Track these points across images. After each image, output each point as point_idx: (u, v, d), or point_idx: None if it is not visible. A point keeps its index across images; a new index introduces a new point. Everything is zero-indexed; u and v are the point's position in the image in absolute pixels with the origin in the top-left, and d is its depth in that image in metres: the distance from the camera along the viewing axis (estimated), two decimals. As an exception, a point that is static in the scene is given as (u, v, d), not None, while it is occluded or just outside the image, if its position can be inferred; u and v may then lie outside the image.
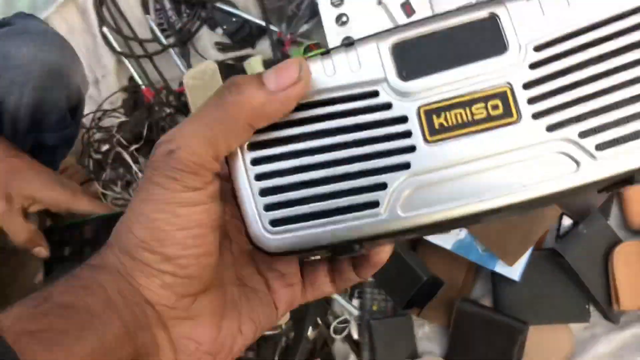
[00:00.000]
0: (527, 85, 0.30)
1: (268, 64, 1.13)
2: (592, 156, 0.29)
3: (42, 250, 0.69)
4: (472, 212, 0.30)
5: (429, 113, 0.31)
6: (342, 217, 0.31)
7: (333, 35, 1.05)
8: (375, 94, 0.31)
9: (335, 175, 0.31)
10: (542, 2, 0.30)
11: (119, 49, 1.22)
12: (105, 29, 1.23)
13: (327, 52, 0.31)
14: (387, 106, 0.31)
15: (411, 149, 0.30)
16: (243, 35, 1.17)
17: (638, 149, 0.29)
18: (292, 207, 0.31)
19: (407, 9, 1.02)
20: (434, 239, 0.97)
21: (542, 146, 0.30)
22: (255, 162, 0.32)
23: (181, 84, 1.21)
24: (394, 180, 0.31)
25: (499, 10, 0.30)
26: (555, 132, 0.30)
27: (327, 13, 1.05)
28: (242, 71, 1.12)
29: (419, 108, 0.31)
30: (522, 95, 0.30)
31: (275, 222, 0.32)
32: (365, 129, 0.31)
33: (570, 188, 0.30)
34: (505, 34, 0.30)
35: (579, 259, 0.93)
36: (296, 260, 0.37)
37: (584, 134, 0.30)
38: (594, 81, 0.29)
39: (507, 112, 0.30)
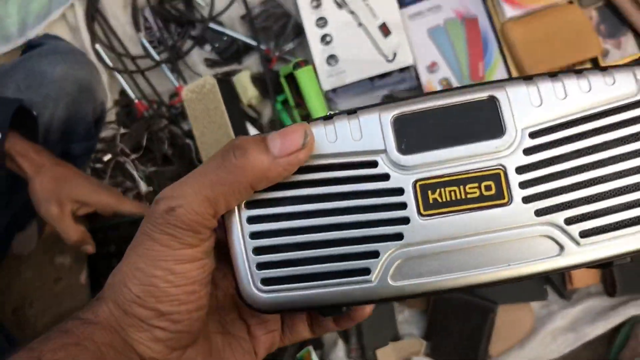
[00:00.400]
0: (520, 170, 0.31)
1: (255, 79, 1.24)
2: (576, 242, 0.31)
3: (89, 248, 0.77)
4: (459, 286, 0.31)
5: (425, 188, 0.31)
6: (334, 281, 0.31)
7: (318, 53, 1.17)
8: (374, 164, 0.32)
9: (329, 239, 0.31)
10: (541, 90, 0.31)
11: (111, 65, 1.30)
12: (97, 46, 1.31)
13: (329, 117, 0.32)
14: (385, 177, 0.32)
15: (405, 220, 0.31)
16: (231, 52, 1.27)
17: (619, 239, 0.30)
18: (285, 268, 0.32)
19: (384, 29, 1.15)
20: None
21: (529, 229, 0.31)
22: (251, 220, 0.32)
23: (172, 97, 1.30)
24: (386, 249, 0.31)
25: (498, 94, 0.31)
26: (543, 216, 0.30)
27: (312, 33, 1.17)
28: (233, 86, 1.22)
29: (415, 182, 0.31)
30: (515, 179, 0.31)
31: (266, 281, 0.32)
32: (362, 198, 0.32)
33: (552, 270, 0.31)
34: (503, 118, 0.31)
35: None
36: None
37: (569, 221, 0.30)
38: (583, 171, 0.30)
39: (499, 194, 0.31)
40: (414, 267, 0.31)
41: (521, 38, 1.11)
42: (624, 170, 0.30)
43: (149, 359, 0.32)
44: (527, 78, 0.31)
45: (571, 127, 0.31)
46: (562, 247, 0.30)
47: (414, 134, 0.31)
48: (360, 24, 1.16)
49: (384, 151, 0.31)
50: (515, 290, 1.12)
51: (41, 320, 1.35)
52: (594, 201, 0.30)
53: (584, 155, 0.30)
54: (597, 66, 0.31)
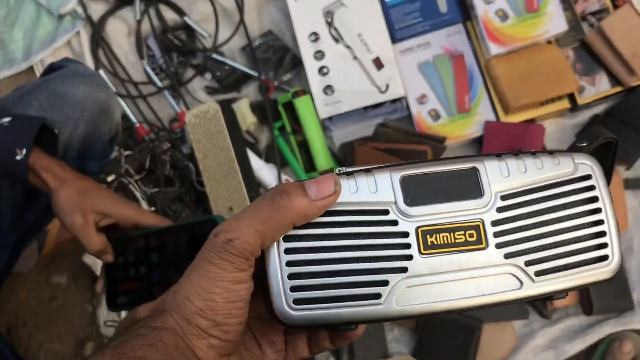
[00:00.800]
0: (494, 223, 0.39)
1: (253, 106, 1.30)
2: (532, 280, 0.39)
3: (109, 257, 0.81)
4: (447, 309, 0.39)
5: (425, 232, 0.39)
6: (351, 303, 0.39)
7: (316, 83, 1.24)
8: (386, 212, 0.40)
9: (349, 269, 0.39)
10: (508, 165, 0.40)
11: (114, 90, 1.35)
12: (101, 72, 1.36)
13: (350, 174, 0.40)
14: (394, 223, 0.40)
15: (409, 257, 0.39)
16: (231, 81, 1.34)
17: (561, 278, 0.40)
18: (313, 291, 0.39)
19: (378, 63, 1.23)
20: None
21: (499, 268, 0.39)
22: (288, 251, 0.39)
23: (172, 121, 1.36)
24: (393, 279, 0.39)
25: (478, 165, 0.40)
26: (510, 259, 0.39)
27: (310, 65, 1.25)
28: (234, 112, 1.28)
29: (417, 228, 0.39)
30: (490, 230, 0.39)
31: (298, 301, 0.39)
32: (376, 237, 0.39)
33: (514, 299, 0.40)
34: (482, 184, 0.40)
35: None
36: (282, 329, 0.45)
37: (529, 263, 0.39)
38: (537, 227, 0.40)
39: (479, 240, 0.39)
40: (414, 294, 0.39)
41: (504, 74, 1.20)
42: (565, 228, 0.40)
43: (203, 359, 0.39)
44: (498, 155, 0.41)
45: (530, 194, 0.40)
46: (521, 283, 0.39)
47: (417, 191, 0.40)
48: (355, 58, 1.24)
49: (394, 202, 0.40)
50: (499, 310, 1.18)
51: (35, 339, 1.37)
52: (547, 249, 0.40)
53: (538, 215, 0.40)
54: (548, 151, 0.41)
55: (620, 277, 1.17)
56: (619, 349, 1.11)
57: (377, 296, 0.39)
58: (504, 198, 0.40)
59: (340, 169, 0.41)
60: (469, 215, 0.40)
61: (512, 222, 0.40)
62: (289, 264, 0.39)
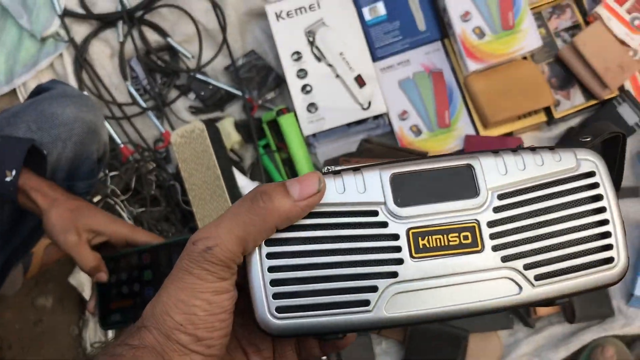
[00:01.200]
0: (490, 224, 0.37)
1: (238, 125, 1.32)
2: (532, 284, 0.37)
3: (103, 275, 0.81)
4: (440, 316, 0.37)
5: (416, 235, 0.37)
6: (338, 311, 0.36)
7: (299, 101, 1.26)
8: (375, 213, 0.37)
9: (336, 275, 0.36)
10: (506, 162, 0.38)
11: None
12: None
13: (338, 172, 0.38)
14: (384, 224, 0.37)
15: (399, 261, 0.37)
16: (214, 101, 1.36)
17: (562, 282, 0.37)
18: (297, 298, 0.36)
19: (360, 80, 1.26)
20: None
21: (496, 272, 0.37)
22: (270, 256, 0.36)
23: (157, 142, 1.37)
24: (383, 285, 0.36)
25: (473, 162, 0.38)
26: (508, 262, 0.37)
27: (293, 83, 1.27)
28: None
29: (408, 230, 0.37)
30: (486, 232, 0.37)
31: (281, 309, 0.36)
32: (365, 240, 0.37)
33: (512, 305, 0.37)
34: (477, 182, 0.37)
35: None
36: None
37: (528, 266, 0.37)
38: (537, 228, 0.37)
39: (474, 243, 0.37)
40: (405, 300, 0.36)
41: (482, 89, 1.23)
42: (566, 229, 0.37)
43: None
44: (495, 152, 0.38)
45: (529, 192, 0.37)
46: (520, 287, 0.37)
47: (408, 190, 0.37)
48: (337, 76, 1.26)
49: (384, 203, 0.37)
50: (484, 320, 1.21)
51: (20, 363, 1.35)
52: (547, 252, 0.37)
53: (538, 215, 0.37)
54: (548, 147, 0.39)
55: (600, 285, 1.20)
56: (601, 354, 1.14)
57: (366, 303, 0.36)
58: (501, 197, 0.37)
59: (328, 167, 0.38)
60: (464, 216, 0.37)
61: (510, 222, 0.37)
62: (271, 269, 0.36)
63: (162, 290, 0.37)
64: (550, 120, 1.27)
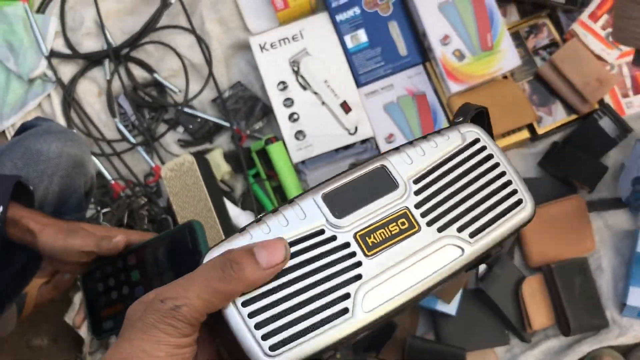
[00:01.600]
0: (417, 206, 0.42)
1: (227, 156, 1.33)
2: (469, 242, 0.42)
3: (120, 239, 0.75)
4: (410, 297, 0.40)
5: (363, 236, 0.41)
6: (325, 327, 0.39)
7: (287, 129, 1.28)
8: (322, 231, 0.41)
9: (310, 297, 0.39)
10: (409, 154, 0.44)
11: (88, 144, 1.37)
12: (74, 132, 1.38)
13: (276, 210, 0.42)
14: (333, 238, 0.41)
15: (358, 264, 0.40)
16: (203, 133, 1.37)
17: (492, 232, 0.42)
18: (285, 331, 0.39)
19: (345, 107, 1.28)
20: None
21: (438, 242, 0.42)
22: (246, 304, 0.39)
23: (147, 176, 1.38)
24: (353, 289, 0.40)
25: (384, 162, 0.44)
26: (443, 231, 0.42)
27: (280, 112, 1.29)
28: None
29: (354, 234, 0.41)
30: (416, 213, 0.42)
31: (273, 347, 0.38)
32: (322, 258, 0.40)
33: (462, 267, 0.42)
34: (393, 177, 0.43)
35: (498, 294, 1.19)
36: None
37: (460, 229, 0.42)
38: (455, 195, 0.43)
39: (411, 225, 0.42)
40: (377, 295, 0.40)
41: (466, 109, 1.26)
42: (477, 189, 0.43)
43: None
44: (396, 148, 0.44)
45: (436, 170, 0.44)
46: (462, 249, 0.42)
47: (341, 203, 0.42)
48: (323, 103, 1.28)
49: (326, 220, 0.41)
50: (480, 337, 1.21)
51: (17, 406, 1.34)
52: (469, 212, 0.42)
53: (450, 185, 0.43)
54: (436, 131, 0.45)
55: (592, 296, 1.22)
56: (598, 365, 1.15)
57: (345, 311, 0.39)
58: (416, 182, 0.43)
59: (262, 214, 0.43)
60: (394, 207, 0.42)
61: (432, 199, 0.42)
62: (251, 315, 0.39)
63: (123, 341, 0.38)
64: (534, 137, 1.29)
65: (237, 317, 0.39)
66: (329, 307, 0.39)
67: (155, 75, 1.40)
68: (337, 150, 1.28)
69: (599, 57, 1.30)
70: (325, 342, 0.39)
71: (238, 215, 1.28)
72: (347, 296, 0.40)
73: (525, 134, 1.28)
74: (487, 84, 1.27)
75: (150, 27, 1.40)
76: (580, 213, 1.24)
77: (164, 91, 1.41)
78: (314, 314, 0.39)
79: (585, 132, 1.28)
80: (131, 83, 1.40)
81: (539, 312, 1.20)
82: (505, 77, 1.29)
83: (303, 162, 1.28)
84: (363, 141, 1.29)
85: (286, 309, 0.39)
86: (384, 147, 1.29)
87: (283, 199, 1.28)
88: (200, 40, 1.39)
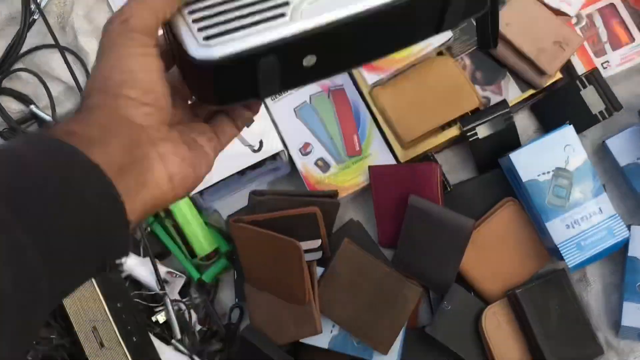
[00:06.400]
0: None
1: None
2: None
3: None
4: (348, 15, 0.41)
5: None
6: (260, 26, 0.40)
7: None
8: None
9: (250, 1, 0.41)
10: None
11: None
12: None
13: None
14: None
15: None
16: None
17: None
18: (220, 25, 0.40)
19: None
20: (310, 340, 0.96)
21: None
22: (192, 12, 0.41)
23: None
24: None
25: None
26: None
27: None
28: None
29: None
30: None
31: (208, 37, 0.40)
32: None
33: None
34: None
35: (450, 335, 0.94)
36: (202, 121, 0.47)
37: None
38: None
39: None
40: (316, 6, 0.41)
41: (391, 104, 1.00)
42: None
43: (146, 126, 0.40)
44: None
45: None
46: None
47: None
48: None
49: None
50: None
51: None
52: None
53: None
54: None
55: (578, 319, 0.96)
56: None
57: (282, 15, 0.40)
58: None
59: None
60: None
61: None
62: (191, 12, 0.41)
63: (93, 69, 0.40)
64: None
65: (180, 21, 0.41)
66: (268, 11, 0.40)
67: (32, 107, 1.18)
68: (242, 172, 1.04)
69: (558, 12, 1.02)
70: (258, 41, 0.40)
71: (137, 264, 1.07)
72: (286, 3, 0.41)
73: (454, 132, 1.01)
74: (415, 67, 1.01)
75: (14, 50, 1.18)
76: (521, 218, 0.98)
77: (45, 124, 1.20)
78: (251, 14, 0.40)
79: (562, 107, 1.01)
80: (6, 123, 1.19)
81: (507, 348, 0.95)
82: (440, 53, 1.02)
83: (201, 193, 1.05)
84: (272, 157, 1.04)
85: (225, 10, 0.40)
86: (299, 160, 1.04)
87: (185, 240, 1.06)
88: (78, 58, 1.17)
